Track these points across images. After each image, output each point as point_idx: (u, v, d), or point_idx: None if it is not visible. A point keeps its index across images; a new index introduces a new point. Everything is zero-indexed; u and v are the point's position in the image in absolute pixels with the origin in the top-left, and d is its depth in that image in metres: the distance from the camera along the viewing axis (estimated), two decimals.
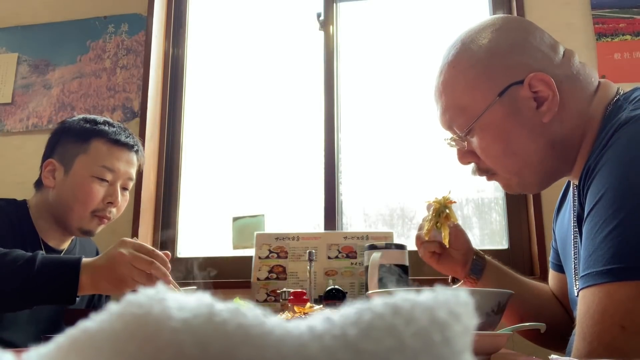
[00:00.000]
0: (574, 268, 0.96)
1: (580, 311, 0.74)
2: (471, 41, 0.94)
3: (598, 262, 0.72)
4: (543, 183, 0.97)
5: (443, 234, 1.11)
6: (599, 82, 0.94)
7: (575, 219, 0.94)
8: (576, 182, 0.96)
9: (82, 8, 2.30)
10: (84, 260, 1.09)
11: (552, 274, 1.19)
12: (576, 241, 0.97)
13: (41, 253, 1.10)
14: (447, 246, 1.12)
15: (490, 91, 0.90)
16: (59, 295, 1.07)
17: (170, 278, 1.10)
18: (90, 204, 1.34)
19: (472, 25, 0.97)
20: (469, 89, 0.92)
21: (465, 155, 0.98)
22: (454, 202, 1.14)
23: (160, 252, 1.10)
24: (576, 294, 0.75)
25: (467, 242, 1.19)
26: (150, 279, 1.06)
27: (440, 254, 1.17)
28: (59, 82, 2.24)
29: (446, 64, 0.96)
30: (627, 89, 0.93)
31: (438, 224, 1.12)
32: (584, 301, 0.74)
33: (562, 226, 1.08)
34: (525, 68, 0.89)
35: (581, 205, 0.84)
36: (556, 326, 1.04)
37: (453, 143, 0.98)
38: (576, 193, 0.98)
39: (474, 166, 0.99)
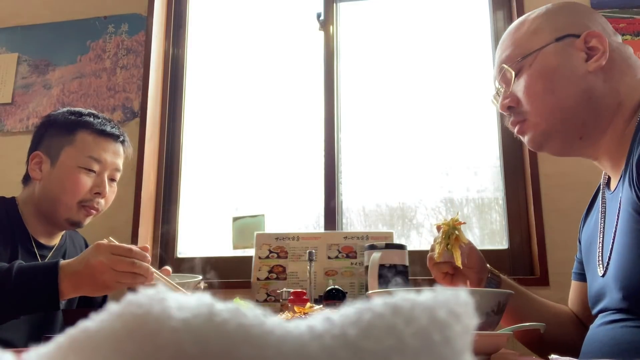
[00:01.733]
0: (599, 255, 0.98)
1: None
2: (543, 6, 1.06)
3: None
4: (567, 138, 0.99)
5: (454, 255, 1.12)
6: None
7: (604, 210, 0.99)
8: (607, 166, 1.00)
9: (82, 8, 2.30)
10: (62, 263, 1.07)
11: (574, 285, 1.19)
12: (603, 230, 0.99)
13: (18, 262, 1.08)
14: (460, 266, 1.13)
15: (550, 35, 0.99)
16: (41, 304, 1.07)
17: (154, 270, 1.09)
18: (77, 194, 1.33)
19: None
20: (532, 32, 1.02)
21: (507, 98, 1.03)
22: (463, 223, 1.17)
23: (137, 248, 1.07)
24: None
25: (481, 260, 1.19)
26: (134, 278, 1.06)
27: (453, 274, 1.18)
28: (59, 82, 2.24)
29: (522, 18, 1.07)
30: None
31: (449, 246, 1.14)
32: None
33: (588, 229, 1.09)
34: (585, 27, 0.99)
35: (638, 185, 0.84)
36: (567, 343, 1.05)
37: (501, 84, 1.05)
38: (605, 189, 1.02)
39: (509, 112, 1.05)
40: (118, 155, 1.42)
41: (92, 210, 1.37)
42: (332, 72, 2.16)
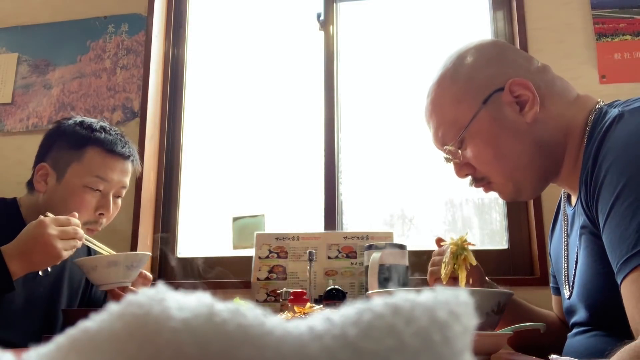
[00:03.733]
0: (565, 274, 1.00)
1: (632, 303, 0.72)
2: (452, 62, 1.01)
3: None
4: (536, 186, 1.00)
5: (459, 276, 1.10)
6: (579, 94, 0.99)
7: (567, 226, 0.99)
8: (567, 189, 1.02)
9: (82, 8, 2.30)
10: (4, 247, 1.14)
11: (553, 298, 1.21)
12: (567, 250, 1.01)
13: None
14: (463, 287, 1.11)
15: (475, 101, 0.96)
16: None
17: (86, 236, 1.24)
18: (81, 215, 1.32)
19: (452, 51, 1.05)
20: (455, 102, 0.99)
21: (462, 168, 1.03)
22: (472, 244, 1.14)
23: (73, 218, 1.20)
24: (619, 283, 0.75)
25: (481, 274, 1.19)
26: (75, 243, 1.18)
27: None
28: (59, 82, 2.24)
29: (432, 85, 1.04)
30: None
31: (455, 266, 1.11)
32: (633, 287, 0.72)
33: (554, 245, 1.11)
34: (504, 76, 0.96)
35: (586, 203, 0.86)
36: (559, 348, 1.05)
37: (449, 157, 1.03)
38: (566, 205, 1.03)
39: (471, 178, 1.04)
40: (126, 174, 1.40)
41: (93, 231, 1.37)
42: (332, 72, 2.16)
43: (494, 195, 1.07)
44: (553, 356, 0.75)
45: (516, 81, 0.94)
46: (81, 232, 1.20)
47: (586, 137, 0.90)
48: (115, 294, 1.31)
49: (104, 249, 1.32)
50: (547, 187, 1.02)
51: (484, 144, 0.96)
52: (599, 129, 0.84)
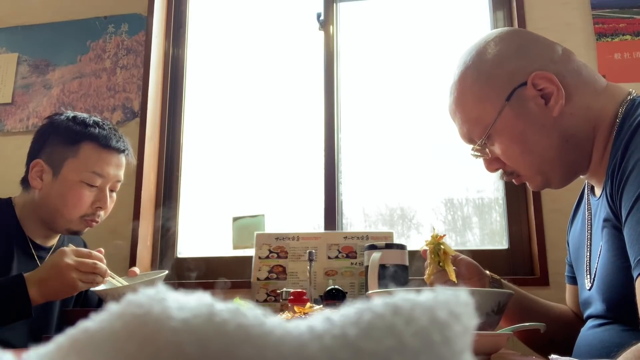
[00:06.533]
0: (587, 265, 0.99)
1: None
2: (472, 58, 0.99)
3: None
4: (566, 177, 0.99)
5: (447, 270, 1.11)
6: (608, 83, 0.96)
7: (590, 217, 0.97)
8: (593, 182, 1.00)
9: (82, 8, 2.30)
10: (26, 275, 1.15)
11: (568, 288, 1.20)
12: (590, 239, 0.99)
13: None
14: (455, 281, 1.11)
15: (498, 98, 0.94)
16: (16, 314, 1.14)
17: (109, 272, 1.23)
18: (78, 209, 1.33)
19: (471, 44, 1.03)
20: (478, 101, 0.97)
21: (492, 163, 1.02)
22: (444, 235, 1.15)
23: (95, 252, 1.21)
24: (635, 278, 0.75)
25: (477, 267, 1.19)
26: (94, 277, 1.19)
27: None
28: (59, 82, 2.24)
29: (454, 84, 1.01)
30: (627, 89, 0.95)
31: (440, 263, 1.12)
32: None
33: (574, 234, 1.10)
34: (526, 70, 0.93)
35: (611, 196, 0.85)
36: (570, 341, 1.05)
37: (477, 153, 1.02)
38: (589, 195, 1.01)
39: (501, 172, 1.03)
40: (120, 168, 1.40)
41: (92, 223, 1.38)
42: (332, 72, 2.16)
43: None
44: (553, 356, 0.75)
45: (539, 74, 0.92)
46: (103, 267, 1.20)
47: (616, 128, 0.88)
48: None
49: (122, 282, 1.31)
50: (547, 187, 1.02)
51: (510, 141, 0.95)
52: (630, 122, 0.83)
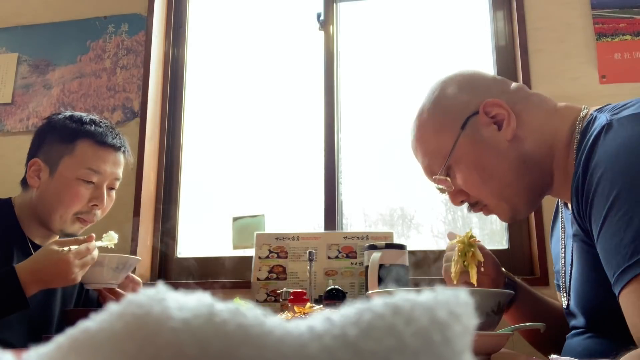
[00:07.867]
0: (562, 281, 1.01)
1: (632, 313, 0.72)
2: (428, 97, 1.04)
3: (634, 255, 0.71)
4: (531, 201, 1.00)
5: (470, 272, 1.11)
6: (560, 104, 0.99)
7: (564, 231, 0.99)
8: (561, 199, 1.02)
9: (82, 8, 2.30)
10: (18, 266, 1.15)
11: (559, 295, 1.20)
12: (564, 256, 1.01)
13: None
14: (475, 284, 1.11)
15: (454, 128, 0.98)
16: (12, 306, 1.14)
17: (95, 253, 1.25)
18: (74, 206, 1.32)
19: (428, 88, 1.07)
20: (436, 133, 1.01)
21: (456, 195, 1.03)
22: (478, 241, 1.15)
23: (84, 239, 1.22)
24: (617, 293, 0.74)
25: (497, 266, 1.19)
26: (86, 265, 1.21)
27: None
28: (59, 82, 2.24)
29: (413, 122, 1.06)
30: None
31: (465, 263, 1.12)
32: (633, 297, 0.71)
33: (553, 245, 1.11)
34: (478, 100, 0.98)
35: (578, 213, 0.85)
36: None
37: (441, 186, 1.04)
38: (564, 210, 1.03)
39: (467, 204, 1.04)
40: (118, 165, 1.40)
41: (86, 222, 1.37)
42: (332, 72, 2.16)
43: None
44: (553, 356, 0.75)
45: (489, 102, 0.96)
46: (92, 252, 1.22)
47: (575, 145, 0.89)
48: (102, 295, 1.34)
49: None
50: (516, 215, 1.02)
51: (470, 168, 0.97)
52: (587, 139, 0.84)
